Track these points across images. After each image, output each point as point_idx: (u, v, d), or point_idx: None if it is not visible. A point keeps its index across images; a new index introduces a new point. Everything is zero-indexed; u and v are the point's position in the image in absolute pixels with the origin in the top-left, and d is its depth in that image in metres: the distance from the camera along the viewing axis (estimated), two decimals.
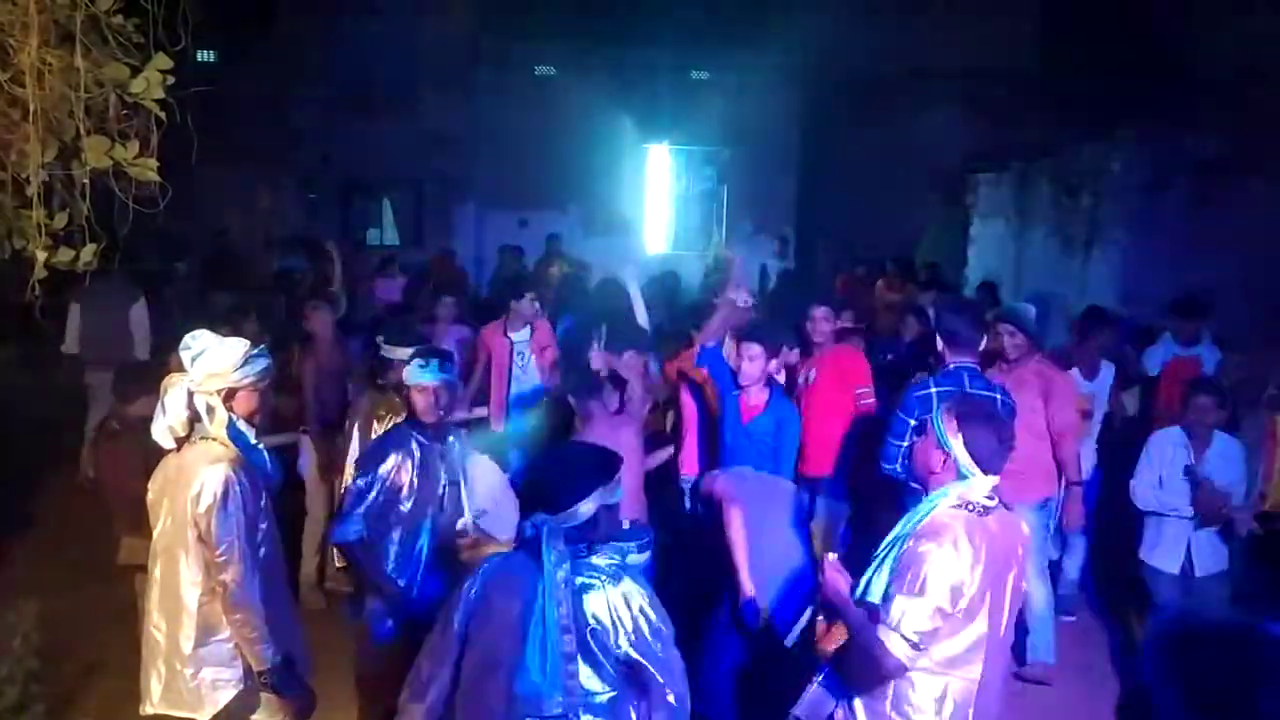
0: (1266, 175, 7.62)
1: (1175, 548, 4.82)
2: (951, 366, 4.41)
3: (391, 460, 3.77)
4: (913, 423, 4.26)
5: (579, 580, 2.51)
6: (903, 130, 12.75)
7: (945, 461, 2.81)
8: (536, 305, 6.50)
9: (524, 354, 6.36)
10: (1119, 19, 11.78)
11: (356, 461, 4.29)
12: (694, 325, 5.72)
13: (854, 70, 12.74)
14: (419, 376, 3.83)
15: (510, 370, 6.34)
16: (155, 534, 3.21)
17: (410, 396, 3.87)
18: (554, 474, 2.65)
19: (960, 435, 2.79)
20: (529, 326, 6.41)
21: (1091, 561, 5.80)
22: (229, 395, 3.18)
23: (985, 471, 2.77)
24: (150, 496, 3.24)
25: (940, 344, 4.46)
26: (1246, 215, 7.59)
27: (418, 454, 3.81)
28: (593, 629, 2.49)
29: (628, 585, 2.55)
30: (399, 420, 4.12)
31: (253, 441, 3.25)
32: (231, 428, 3.17)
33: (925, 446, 2.89)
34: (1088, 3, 12.00)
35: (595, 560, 2.57)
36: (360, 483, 3.76)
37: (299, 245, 10.86)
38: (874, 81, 12.50)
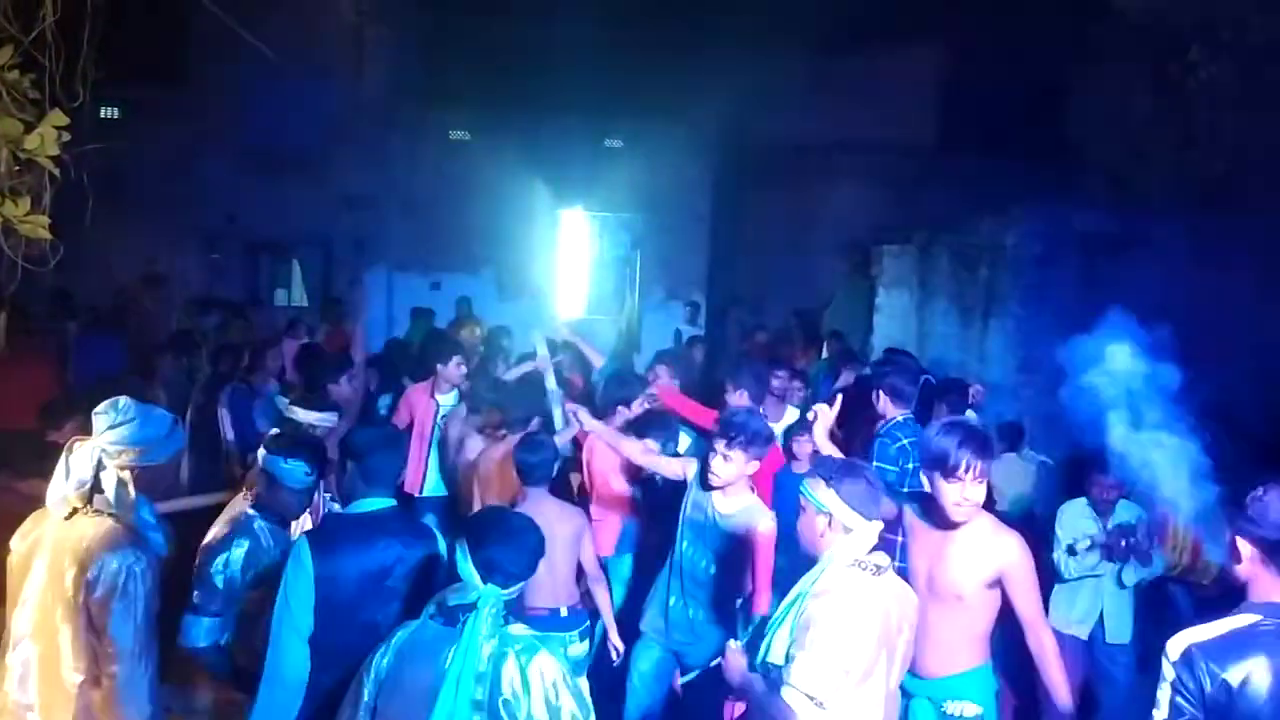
0: (1149, 250, 8.04)
1: (1089, 614, 4.93)
2: (900, 418, 4.90)
3: (240, 550, 3.36)
4: (894, 470, 4.64)
5: (499, 650, 2.49)
6: (811, 201, 13.11)
7: (830, 522, 2.90)
8: (463, 369, 6.31)
9: (448, 418, 6.21)
10: (1013, 103, 12.42)
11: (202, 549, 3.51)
12: (621, 399, 5.62)
13: (764, 141, 13.10)
14: (293, 481, 3.39)
15: (433, 434, 6.20)
16: (18, 600, 2.93)
17: (277, 491, 3.43)
18: (513, 546, 2.59)
19: (833, 491, 2.88)
20: (456, 390, 6.27)
21: None
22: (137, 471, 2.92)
23: (867, 519, 2.88)
24: (13, 558, 2.97)
25: (883, 399, 4.96)
26: (1131, 288, 7.96)
27: (270, 539, 3.44)
28: (504, 699, 2.46)
29: (542, 658, 2.53)
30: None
31: (152, 519, 3.06)
32: (140, 508, 2.95)
33: (807, 519, 2.97)
34: (984, 87, 12.62)
35: (513, 630, 2.56)
36: (211, 576, 3.34)
37: (210, 305, 10.59)
38: (783, 152, 12.86)
